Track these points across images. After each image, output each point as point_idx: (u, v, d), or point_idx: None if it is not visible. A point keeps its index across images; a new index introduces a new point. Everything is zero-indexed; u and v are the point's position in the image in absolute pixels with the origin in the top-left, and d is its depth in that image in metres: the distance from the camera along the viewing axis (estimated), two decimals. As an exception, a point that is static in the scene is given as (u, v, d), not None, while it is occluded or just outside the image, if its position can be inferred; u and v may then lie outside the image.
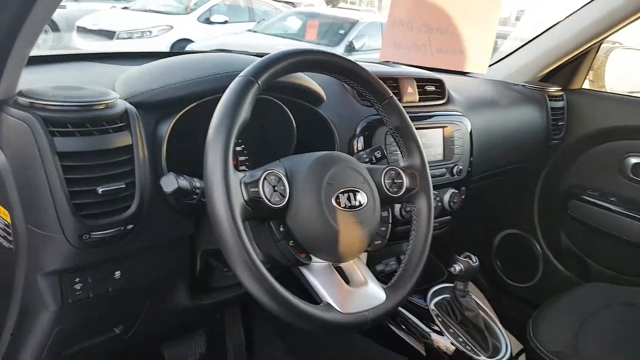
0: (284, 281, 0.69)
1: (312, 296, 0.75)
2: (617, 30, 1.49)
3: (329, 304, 0.72)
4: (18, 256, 0.75)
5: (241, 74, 0.72)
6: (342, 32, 6.49)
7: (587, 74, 1.67)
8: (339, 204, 0.75)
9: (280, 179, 0.72)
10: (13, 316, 0.82)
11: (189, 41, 6.46)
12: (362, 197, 0.78)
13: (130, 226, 0.76)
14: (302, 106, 1.01)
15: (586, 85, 1.70)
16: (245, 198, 0.68)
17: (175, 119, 0.82)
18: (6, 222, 0.74)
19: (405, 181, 0.88)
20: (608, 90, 1.69)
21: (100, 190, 0.70)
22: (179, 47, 6.39)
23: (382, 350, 1.19)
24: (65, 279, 0.76)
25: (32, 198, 0.70)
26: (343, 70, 0.84)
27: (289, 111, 0.98)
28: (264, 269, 0.65)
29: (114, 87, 0.86)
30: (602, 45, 1.61)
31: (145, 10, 7.04)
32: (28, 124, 0.68)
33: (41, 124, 0.67)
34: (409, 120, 0.90)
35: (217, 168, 0.64)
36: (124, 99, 0.79)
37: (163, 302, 0.95)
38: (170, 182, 0.71)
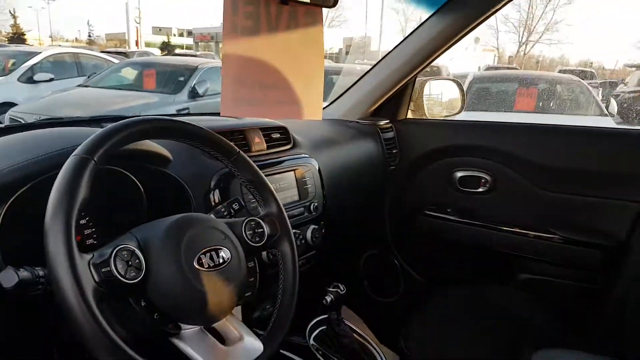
0: (161, 354, 0.68)
1: None
2: (426, 66, 1.72)
3: None
4: None
5: (74, 152, 0.69)
6: (182, 78, 6.42)
7: (409, 105, 1.89)
8: (201, 265, 0.75)
9: (133, 252, 0.70)
10: None
11: (11, 104, 5.86)
12: (225, 254, 0.79)
13: None
14: (149, 170, 0.99)
15: (410, 115, 1.92)
16: (97, 280, 0.65)
17: (5, 208, 0.76)
18: None
19: (266, 229, 0.91)
20: (428, 117, 1.93)
21: None
22: (1, 112, 5.78)
23: None
24: None
25: None
26: (184, 134, 0.84)
27: (134, 178, 0.95)
28: (128, 349, 0.62)
29: None
30: (417, 78, 1.85)
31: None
32: None
33: None
34: (259, 171, 0.94)
35: (60, 253, 0.61)
36: None
37: None
38: (10, 277, 0.64)
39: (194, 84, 6.37)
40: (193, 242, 0.75)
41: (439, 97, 1.96)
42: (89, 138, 0.71)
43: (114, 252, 0.68)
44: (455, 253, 1.86)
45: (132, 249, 0.70)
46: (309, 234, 1.31)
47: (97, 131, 0.73)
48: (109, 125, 0.74)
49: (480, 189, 1.78)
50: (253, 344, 0.81)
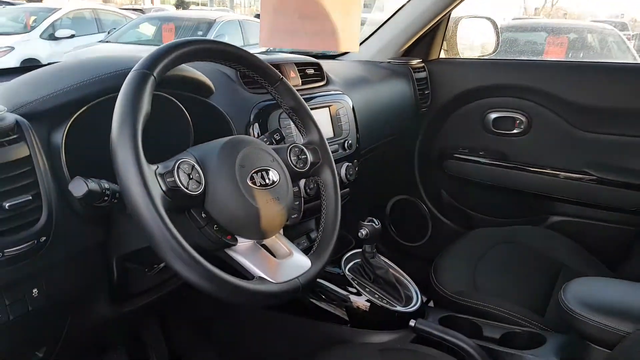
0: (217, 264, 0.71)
1: (243, 276, 0.77)
2: (460, 2, 1.67)
3: (261, 278, 0.76)
4: None
5: (134, 68, 0.71)
6: (200, 33, 6.39)
7: (442, 44, 1.85)
8: (254, 183, 0.78)
9: (193, 166, 0.73)
10: None
11: (35, 61, 5.91)
12: (274, 175, 0.82)
13: (43, 239, 0.73)
14: (193, 99, 1.01)
15: (442, 54, 1.88)
16: (164, 188, 0.68)
17: (69, 125, 0.79)
18: None
19: (309, 156, 0.93)
20: (461, 57, 1.89)
21: (7, 205, 0.67)
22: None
23: (309, 323, 1.24)
24: None
25: None
26: (234, 57, 0.86)
27: (181, 105, 0.97)
28: (195, 252, 0.66)
29: None
30: (451, 16, 1.79)
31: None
32: None
33: None
34: (302, 99, 0.95)
35: (129, 163, 0.63)
36: (10, 112, 0.75)
37: (84, 316, 0.91)
38: (79, 186, 0.68)
39: (213, 38, 6.31)
40: (245, 160, 0.78)
41: (472, 36, 1.91)
42: (147, 54, 0.73)
43: (177, 164, 0.70)
44: (486, 196, 1.85)
45: (192, 163, 0.73)
46: (343, 171, 1.31)
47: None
48: (166, 44, 0.75)
49: (515, 130, 1.75)
50: (302, 260, 0.84)
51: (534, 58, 1.74)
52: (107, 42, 6.35)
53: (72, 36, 6.82)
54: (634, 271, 1.55)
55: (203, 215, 0.73)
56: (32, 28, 6.81)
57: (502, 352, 1.05)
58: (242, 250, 0.78)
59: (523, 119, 1.73)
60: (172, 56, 0.74)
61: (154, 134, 0.98)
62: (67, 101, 0.80)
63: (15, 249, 0.69)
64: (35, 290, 0.77)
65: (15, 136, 0.71)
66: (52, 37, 6.72)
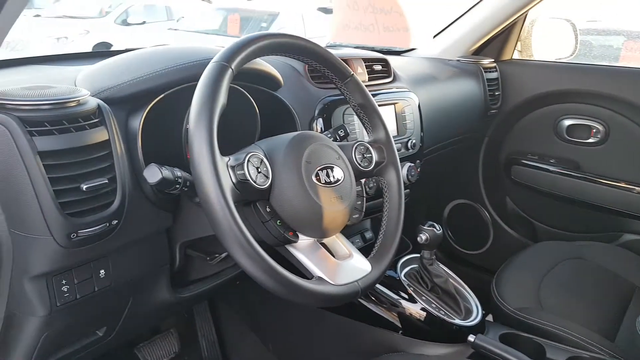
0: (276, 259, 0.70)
1: (301, 273, 0.76)
2: (539, 2, 1.58)
3: (320, 278, 0.75)
4: (1, 263, 0.72)
5: (214, 59, 0.72)
6: (264, 24, 6.46)
7: (515, 45, 1.76)
8: (319, 180, 0.77)
9: (262, 160, 0.73)
10: None
11: (107, 45, 6.18)
12: (338, 173, 0.80)
13: (114, 222, 0.75)
14: (262, 92, 1.01)
15: (516, 55, 1.78)
16: (234, 181, 0.69)
17: (146, 112, 0.81)
18: None
19: (374, 155, 0.91)
20: (536, 59, 1.79)
21: (84, 187, 0.69)
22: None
23: (358, 326, 1.21)
24: (52, 282, 0.75)
25: (14, 201, 0.68)
26: (309, 52, 0.85)
27: (251, 97, 0.97)
28: (258, 247, 0.66)
29: (75, 85, 0.83)
30: (527, 16, 1.70)
31: (58, 17, 6.65)
32: (4, 126, 0.65)
33: (19, 124, 0.65)
34: (371, 96, 0.93)
35: (204, 154, 0.65)
36: (92, 96, 0.77)
37: (145, 299, 0.93)
38: (154, 173, 0.69)
39: (275, 30, 6.38)
40: (311, 157, 0.78)
41: (549, 38, 1.80)
42: (226, 47, 0.73)
43: (247, 157, 0.71)
44: (554, 207, 1.75)
45: (261, 157, 0.73)
46: (404, 171, 1.27)
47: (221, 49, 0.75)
48: (244, 36, 0.75)
49: (590, 140, 1.64)
50: (362, 262, 0.82)
51: (615, 64, 1.61)
52: (176, 30, 6.53)
53: (143, 22, 7.08)
54: None
55: (267, 209, 0.74)
56: (107, 13, 7.13)
57: None
58: (302, 248, 0.78)
59: (600, 127, 1.62)
60: (250, 49, 0.74)
61: (224, 124, 0.99)
62: (146, 88, 0.82)
63: (88, 230, 0.71)
64: (102, 271, 0.80)
65: (96, 120, 0.73)
66: (125, 23, 7.00)
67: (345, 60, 1.21)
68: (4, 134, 0.66)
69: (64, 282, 0.75)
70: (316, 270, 0.75)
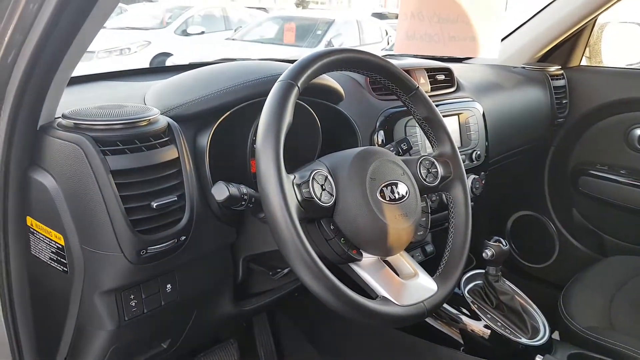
0: (340, 278, 0.69)
1: (364, 292, 0.75)
2: (611, 6, 1.51)
3: (385, 298, 0.73)
4: (73, 278, 0.75)
5: (280, 78, 0.72)
6: (319, 32, 6.51)
7: (584, 51, 1.68)
8: (383, 197, 0.75)
9: (326, 177, 0.73)
10: (67, 340, 0.81)
11: (168, 55, 6.40)
12: (403, 189, 0.79)
13: (182, 238, 0.76)
14: (324, 105, 1.01)
15: (584, 62, 1.71)
16: (299, 199, 0.69)
17: (214, 129, 0.83)
18: (60, 246, 0.74)
19: (440, 170, 0.89)
20: (605, 65, 1.71)
21: (154, 204, 0.71)
22: (159, 62, 6.33)
23: (418, 342, 1.19)
24: (121, 297, 0.76)
25: (87, 219, 0.70)
26: (372, 66, 0.84)
27: (314, 112, 0.98)
28: (323, 266, 0.65)
29: (145, 102, 0.86)
30: (597, 21, 1.63)
31: (122, 28, 6.96)
32: (79, 146, 0.68)
33: (92, 144, 0.68)
34: (436, 109, 0.91)
35: (271, 172, 0.65)
36: (162, 114, 0.79)
37: (208, 312, 0.95)
38: (221, 191, 0.70)
39: (331, 38, 6.42)
40: (376, 173, 0.76)
41: (620, 44, 1.72)
42: (292, 65, 0.74)
43: (312, 175, 0.71)
44: (625, 220, 1.66)
45: (325, 174, 0.73)
46: (469, 184, 1.24)
47: (286, 64, 0.76)
48: (309, 53, 0.76)
49: None
50: (428, 282, 0.80)
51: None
52: (233, 39, 6.69)
53: (202, 33, 7.30)
54: None
55: (332, 227, 0.73)
56: (168, 24, 7.40)
57: None
58: (366, 266, 0.76)
59: None
60: (315, 66, 0.75)
61: (287, 139, 1.00)
62: (214, 106, 0.83)
63: (157, 246, 0.73)
64: (169, 286, 0.81)
65: (166, 139, 0.75)
66: (185, 33, 7.24)
67: (407, 71, 1.20)
68: (79, 154, 0.68)
69: (132, 297, 0.77)
70: (381, 290, 0.74)
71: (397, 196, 0.77)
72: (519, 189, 1.85)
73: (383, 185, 0.76)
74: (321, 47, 6.26)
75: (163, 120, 0.76)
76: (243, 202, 0.72)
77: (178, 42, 6.97)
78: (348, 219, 0.73)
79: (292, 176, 0.70)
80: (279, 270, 0.95)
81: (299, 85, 0.72)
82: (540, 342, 1.05)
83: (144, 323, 0.81)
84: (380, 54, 1.47)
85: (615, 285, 1.27)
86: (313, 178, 0.71)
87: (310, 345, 1.42)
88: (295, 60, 0.76)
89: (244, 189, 0.73)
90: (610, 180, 1.64)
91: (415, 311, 0.73)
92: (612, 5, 1.50)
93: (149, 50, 6.58)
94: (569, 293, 1.27)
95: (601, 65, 1.71)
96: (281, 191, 0.64)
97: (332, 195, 0.73)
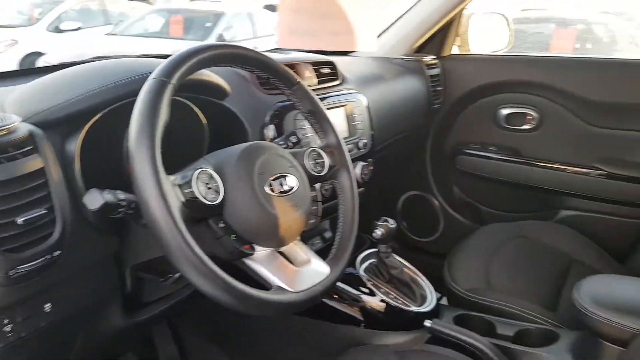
0: (234, 275, 0.70)
1: (259, 285, 0.76)
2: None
3: (280, 287, 0.75)
4: None
5: (152, 76, 0.70)
6: (209, 25, 6.36)
7: (454, 41, 1.84)
8: (272, 190, 0.77)
9: (211, 175, 0.72)
10: None
11: (39, 54, 5.88)
12: (292, 181, 0.81)
13: (56, 253, 0.72)
14: (209, 102, 0.99)
15: (455, 50, 1.87)
16: (182, 199, 0.67)
17: (84, 133, 0.78)
18: None
19: (327, 160, 0.93)
20: (473, 53, 1.88)
21: (19, 220, 0.66)
22: (30, 62, 5.81)
23: (322, 325, 1.24)
24: None
25: None
26: (252, 61, 0.85)
27: (197, 109, 0.96)
28: (212, 264, 0.65)
29: (4, 109, 0.79)
30: (465, 12, 1.79)
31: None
32: None
33: None
34: (319, 102, 0.95)
35: (147, 174, 0.63)
36: (23, 121, 0.73)
37: (97, 327, 0.90)
38: (94, 199, 0.66)
39: (221, 31, 6.30)
40: (264, 167, 0.77)
41: (485, 32, 1.90)
42: (164, 62, 0.72)
43: (195, 174, 0.70)
44: (497, 192, 1.86)
45: (210, 172, 0.72)
46: (358, 171, 1.30)
47: (163, 61, 0.73)
48: (184, 49, 0.74)
49: (526, 126, 1.75)
50: (320, 266, 0.84)
51: (546, 54, 1.74)
52: (114, 34, 6.32)
53: (79, 28, 6.78)
54: None
55: (221, 225, 0.73)
56: (38, 20, 6.79)
57: (516, 350, 1.06)
58: (260, 259, 0.78)
59: (534, 114, 1.73)
60: (190, 63, 0.73)
61: (168, 139, 0.98)
62: (82, 109, 0.78)
63: (28, 265, 0.68)
64: (48, 305, 0.76)
65: (29, 148, 0.69)
66: (58, 30, 6.68)
67: (292, 65, 1.23)
68: None
69: (6, 321, 0.71)
70: (275, 280, 0.76)
71: (286, 188, 0.79)
72: (405, 172, 1.99)
73: (271, 178, 0.77)
74: (211, 40, 6.15)
75: (24, 128, 0.70)
76: (121, 209, 0.68)
77: (51, 39, 6.43)
78: (238, 215, 0.73)
79: (172, 177, 0.68)
80: (170, 275, 0.92)
81: (173, 82, 0.69)
82: (429, 308, 1.15)
83: (23, 349, 0.75)
84: (273, 47, 1.50)
85: (491, 249, 1.42)
86: (197, 177, 0.69)
87: (216, 346, 1.41)
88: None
89: (122, 195, 0.68)
90: (483, 157, 1.83)
91: (308, 295, 0.77)
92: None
93: (17, 50, 6.01)
94: (452, 261, 1.40)
95: (469, 53, 1.88)
96: (160, 193, 0.62)
97: (218, 193, 0.72)
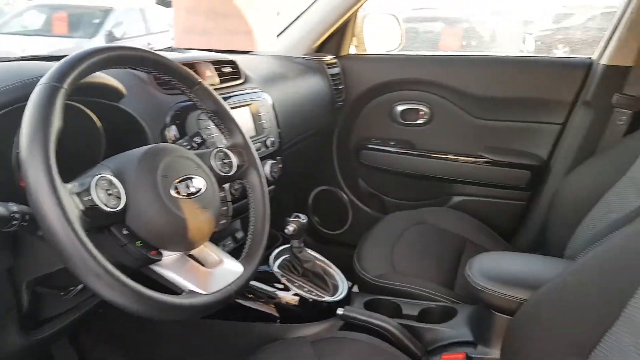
0: (142, 282, 0.68)
1: (172, 292, 0.74)
2: None
3: (191, 291, 0.74)
4: None
5: (42, 80, 0.66)
6: (97, 21, 6.01)
7: (351, 40, 1.92)
8: (179, 193, 0.75)
9: (111, 181, 0.69)
10: None
11: None
12: (199, 183, 0.80)
13: None
14: (103, 104, 0.94)
15: (353, 50, 1.95)
16: (81, 208, 0.64)
17: None
18: None
19: (234, 160, 0.93)
20: (369, 53, 1.97)
21: None
22: None
23: (236, 325, 1.24)
24: None
25: None
26: (149, 62, 0.82)
27: (90, 113, 0.91)
28: (118, 273, 0.63)
29: None
30: (359, 13, 1.86)
31: None
32: None
33: None
34: (222, 102, 0.94)
35: (42, 184, 0.59)
36: None
37: None
38: None
39: (111, 28, 5.98)
40: (167, 170, 0.75)
41: (378, 32, 2.00)
42: (55, 66, 0.68)
43: (94, 180, 0.67)
44: (397, 183, 1.97)
45: (109, 177, 0.69)
46: (267, 169, 1.32)
47: (53, 64, 0.69)
48: (75, 52, 0.71)
49: (419, 121, 1.88)
50: (234, 266, 0.84)
51: (435, 53, 1.87)
52: (-12, 32, 5.76)
53: (-55, 26, 6.10)
54: (525, 241, 1.76)
55: (125, 232, 0.70)
56: None
57: (420, 328, 1.14)
58: (169, 264, 0.76)
59: (426, 110, 1.86)
60: (83, 66, 0.69)
61: (62, 145, 0.93)
62: None
63: None
64: None
65: None
66: None
67: (192, 64, 1.21)
68: None
69: None
70: (186, 284, 0.74)
71: (193, 190, 0.78)
72: (315, 168, 2.04)
73: (177, 181, 0.76)
74: (100, 37, 5.80)
75: None
76: (14, 222, 0.64)
77: None
78: (142, 221, 0.71)
79: (69, 185, 0.65)
80: (71, 288, 0.88)
81: (65, 86, 0.66)
82: (341, 297, 1.20)
83: None
84: (169, 44, 1.44)
85: (395, 237, 1.52)
86: (96, 184, 0.67)
87: (122, 357, 1.36)
88: (64, 56, 0.70)
89: (14, 207, 0.64)
90: (383, 151, 1.92)
91: (222, 295, 0.76)
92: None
93: None
94: (360, 250, 1.47)
95: (365, 52, 1.97)
96: (57, 203, 0.59)
97: (120, 199, 0.69)
